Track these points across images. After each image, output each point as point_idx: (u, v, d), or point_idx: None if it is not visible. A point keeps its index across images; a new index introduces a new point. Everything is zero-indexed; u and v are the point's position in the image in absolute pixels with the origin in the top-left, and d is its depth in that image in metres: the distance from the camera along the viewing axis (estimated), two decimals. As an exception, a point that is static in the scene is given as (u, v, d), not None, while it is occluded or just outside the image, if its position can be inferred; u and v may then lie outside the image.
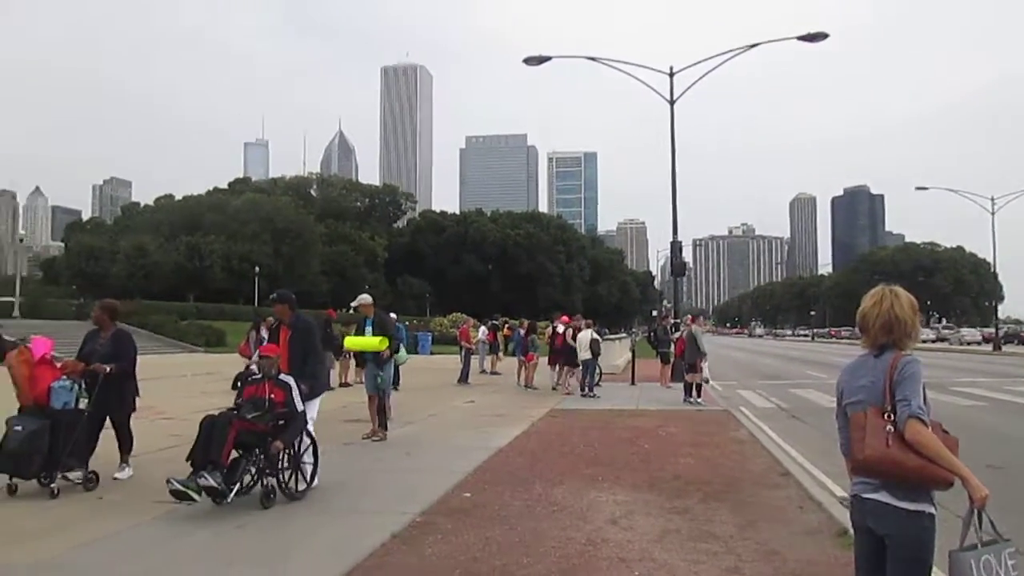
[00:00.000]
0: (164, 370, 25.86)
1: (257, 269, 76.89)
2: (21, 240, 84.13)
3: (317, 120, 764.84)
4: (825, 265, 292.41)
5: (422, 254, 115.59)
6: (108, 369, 7.46)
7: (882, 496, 2.96)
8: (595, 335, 18.31)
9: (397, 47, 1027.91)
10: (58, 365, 7.48)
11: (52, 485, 6.96)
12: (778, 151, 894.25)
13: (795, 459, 9.73)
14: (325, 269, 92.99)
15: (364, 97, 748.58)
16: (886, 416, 2.93)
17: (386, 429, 10.93)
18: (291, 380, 7.23)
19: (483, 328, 26.79)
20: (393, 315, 20.20)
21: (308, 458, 7.28)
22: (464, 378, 21.73)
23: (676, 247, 25.35)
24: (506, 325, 30.51)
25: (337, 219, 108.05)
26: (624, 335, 45.30)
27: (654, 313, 78.63)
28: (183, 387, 19.61)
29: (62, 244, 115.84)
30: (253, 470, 6.80)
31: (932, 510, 2.94)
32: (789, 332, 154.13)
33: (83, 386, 7.38)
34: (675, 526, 6.34)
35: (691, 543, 5.83)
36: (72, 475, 7.25)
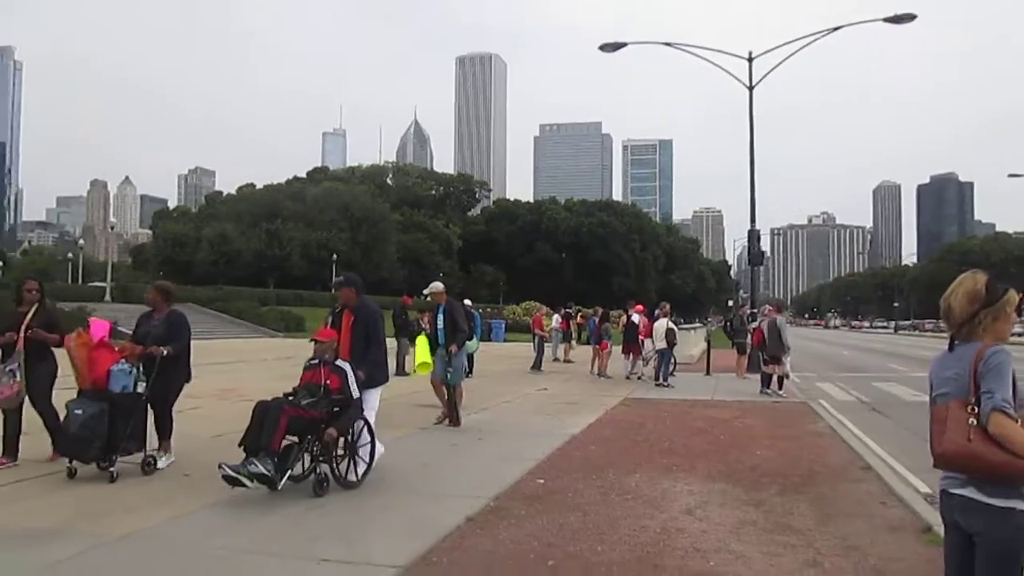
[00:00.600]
0: (246, 354, 26.69)
1: (334, 256, 78.47)
2: (112, 228, 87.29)
3: (393, 110, 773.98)
4: (910, 255, 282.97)
5: (496, 242, 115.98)
6: (164, 351, 7.36)
7: (970, 492, 2.86)
8: (671, 324, 18.13)
9: (472, 36, 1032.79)
10: (115, 348, 7.43)
11: (111, 469, 6.92)
12: (861, 137, 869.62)
13: (877, 453, 9.49)
14: (400, 256, 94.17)
15: (439, 87, 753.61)
16: (969, 409, 2.83)
17: (459, 419, 10.95)
18: (347, 366, 7.07)
19: (556, 316, 26.80)
20: (468, 302, 20.37)
21: (363, 446, 7.12)
22: (537, 366, 21.79)
23: (754, 236, 24.85)
24: (579, 313, 30.46)
25: (412, 207, 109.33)
26: (699, 325, 44.76)
27: (730, 303, 77.41)
28: (264, 370, 20.16)
29: (150, 231, 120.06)
30: (307, 457, 6.72)
31: None
32: (866, 324, 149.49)
33: (141, 369, 7.32)
34: (752, 518, 6.25)
35: (768, 535, 5.74)
36: (131, 458, 7.19)
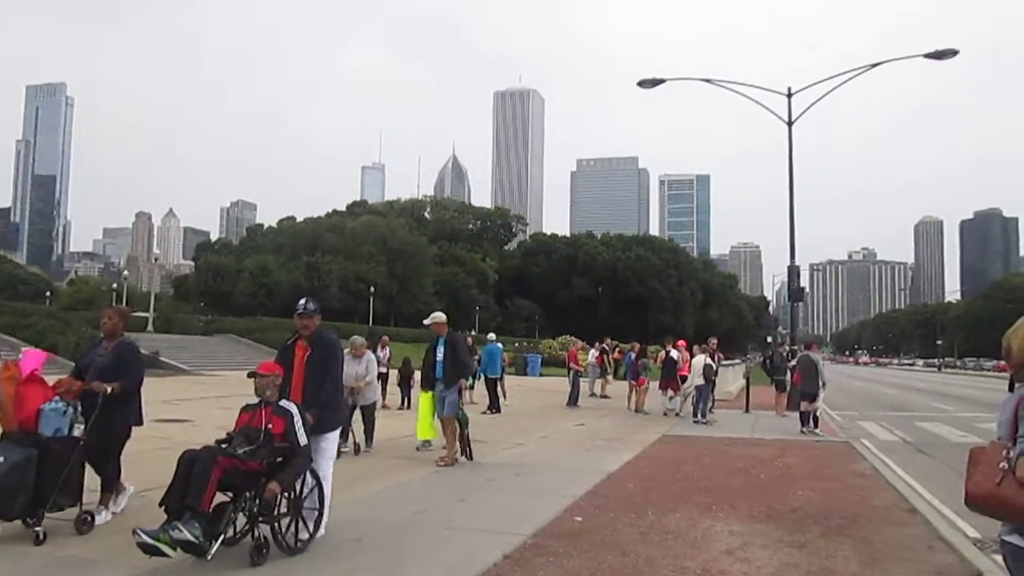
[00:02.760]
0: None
1: (372, 289, 79.14)
2: (156, 259, 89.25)
3: (432, 144, 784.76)
4: (953, 292, 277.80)
5: (532, 276, 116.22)
6: (109, 389, 6.29)
7: (1015, 539, 2.78)
8: (708, 360, 17.96)
9: (510, 72, 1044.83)
10: (50, 383, 6.31)
11: (38, 528, 5.74)
12: (902, 173, 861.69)
13: (922, 496, 9.25)
14: (437, 290, 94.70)
15: (477, 121, 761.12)
16: (1004, 453, 2.76)
17: (471, 453, 10.68)
18: (293, 407, 5.94)
19: (593, 351, 26.69)
20: (492, 335, 20.23)
21: (312, 503, 6.07)
22: (573, 401, 21.66)
23: (794, 272, 24.61)
24: (616, 348, 30.29)
25: (450, 241, 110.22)
26: (737, 361, 44.22)
27: (768, 339, 76.56)
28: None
29: (192, 263, 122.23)
30: (243, 517, 5.58)
31: None
32: (895, 360, 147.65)
33: (79, 409, 6.23)
34: (794, 560, 6.12)
35: (812, 579, 5.62)
36: (62, 515, 6.03)
